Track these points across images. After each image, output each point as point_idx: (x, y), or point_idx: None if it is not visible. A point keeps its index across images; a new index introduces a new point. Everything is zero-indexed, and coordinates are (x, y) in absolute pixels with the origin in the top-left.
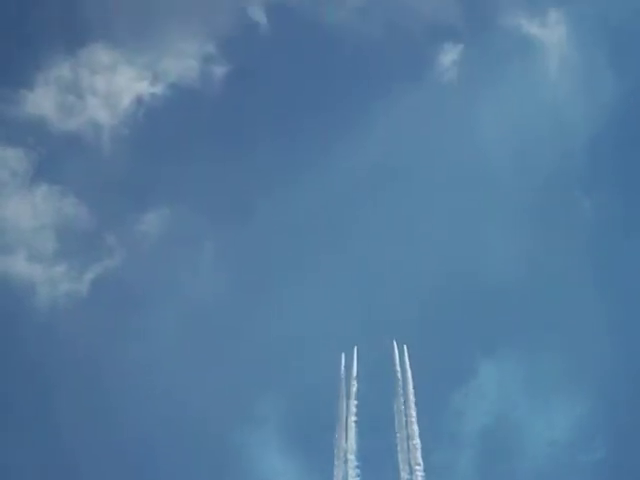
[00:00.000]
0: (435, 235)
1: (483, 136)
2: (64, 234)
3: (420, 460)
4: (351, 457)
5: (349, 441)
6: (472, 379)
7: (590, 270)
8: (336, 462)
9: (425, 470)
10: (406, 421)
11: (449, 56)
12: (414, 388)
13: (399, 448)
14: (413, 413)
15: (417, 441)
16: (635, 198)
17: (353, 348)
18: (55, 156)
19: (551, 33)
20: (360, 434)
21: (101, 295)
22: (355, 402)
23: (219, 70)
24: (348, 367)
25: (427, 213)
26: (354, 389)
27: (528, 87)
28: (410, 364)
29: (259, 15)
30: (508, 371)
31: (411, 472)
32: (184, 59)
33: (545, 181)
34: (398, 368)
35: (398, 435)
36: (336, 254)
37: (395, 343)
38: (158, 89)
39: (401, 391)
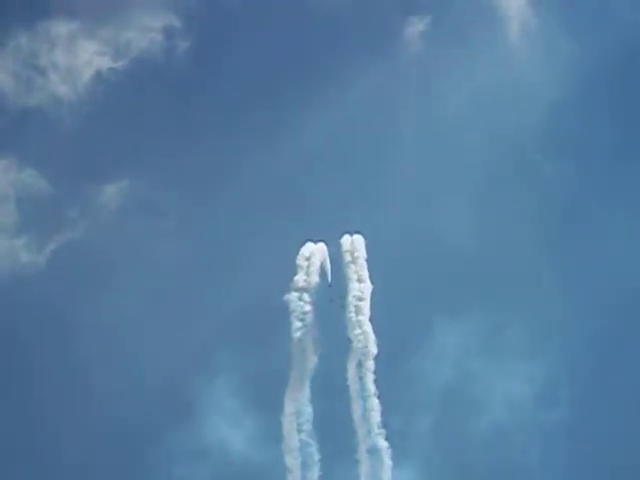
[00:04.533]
0: (399, 202)
1: (447, 105)
2: (24, 206)
3: (379, 423)
4: (303, 418)
5: (302, 399)
6: (430, 340)
7: (550, 234)
8: (287, 421)
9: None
10: (362, 383)
11: (416, 28)
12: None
13: (354, 410)
14: (371, 376)
15: (375, 403)
16: (594, 162)
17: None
18: (14, 129)
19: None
20: (314, 394)
21: (62, 266)
22: (314, 360)
23: (183, 44)
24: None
25: (391, 181)
26: (311, 350)
27: (490, 55)
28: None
29: None
30: (466, 332)
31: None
32: (147, 33)
33: (506, 147)
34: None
35: (353, 398)
36: (298, 225)
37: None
38: (119, 64)
39: (358, 357)
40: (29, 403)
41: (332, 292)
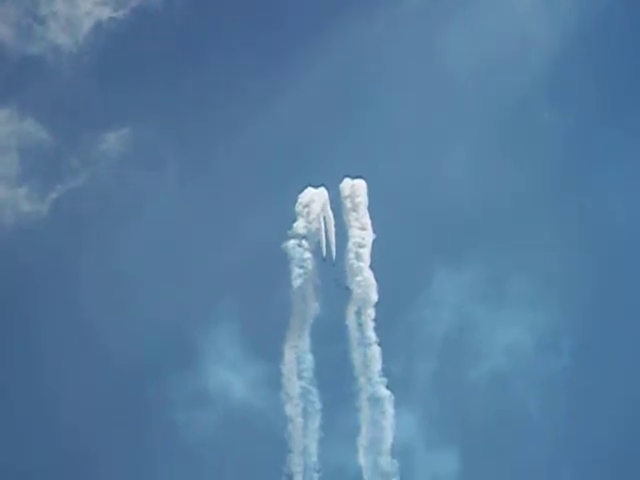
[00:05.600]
0: (402, 151)
1: (448, 54)
2: (26, 156)
3: (380, 370)
4: (304, 366)
5: (303, 346)
6: (430, 288)
7: (551, 184)
8: (287, 369)
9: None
10: (363, 331)
11: None
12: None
13: (355, 358)
14: (371, 324)
15: (376, 350)
16: (596, 112)
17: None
18: (14, 79)
19: None
20: (314, 342)
21: (64, 214)
22: (315, 308)
23: None
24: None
25: (393, 132)
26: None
27: (493, 3)
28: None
29: None
30: (467, 281)
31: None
32: None
33: (508, 97)
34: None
35: (353, 346)
36: (299, 170)
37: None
38: (120, 14)
39: (358, 305)
40: (32, 349)
41: (337, 273)
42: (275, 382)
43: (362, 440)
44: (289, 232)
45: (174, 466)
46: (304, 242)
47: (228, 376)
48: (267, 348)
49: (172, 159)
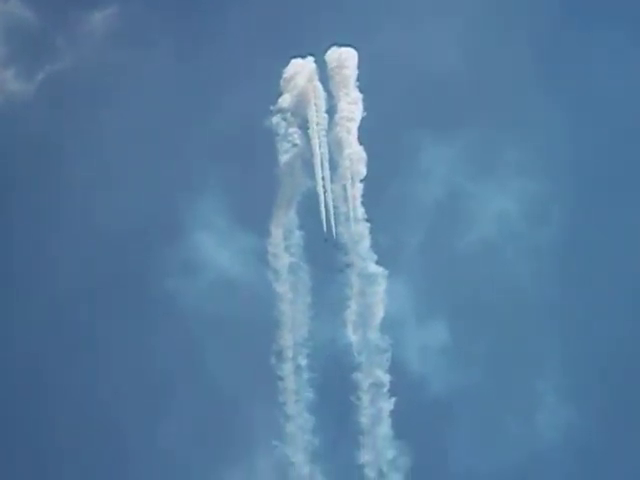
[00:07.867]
0: (392, 21)
1: None
2: (11, 37)
3: (369, 246)
4: (292, 241)
5: (291, 222)
6: (418, 160)
7: (543, 56)
8: (275, 245)
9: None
10: (351, 206)
11: None
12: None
13: (343, 233)
14: (359, 199)
15: (365, 226)
16: None
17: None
18: None
19: None
20: (302, 218)
21: (51, 94)
22: (303, 184)
23: None
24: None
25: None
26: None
27: None
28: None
29: None
30: (455, 151)
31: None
32: None
33: None
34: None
35: (341, 221)
36: (285, 39)
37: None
38: None
39: (347, 179)
40: (19, 227)
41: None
42: (264, 257)
43: (352, 316)
44: (273, 107)
45: (165, 336)
46: (290, 116)
47: (216, 248)
48: (256, 223)
49: (157, 37)
